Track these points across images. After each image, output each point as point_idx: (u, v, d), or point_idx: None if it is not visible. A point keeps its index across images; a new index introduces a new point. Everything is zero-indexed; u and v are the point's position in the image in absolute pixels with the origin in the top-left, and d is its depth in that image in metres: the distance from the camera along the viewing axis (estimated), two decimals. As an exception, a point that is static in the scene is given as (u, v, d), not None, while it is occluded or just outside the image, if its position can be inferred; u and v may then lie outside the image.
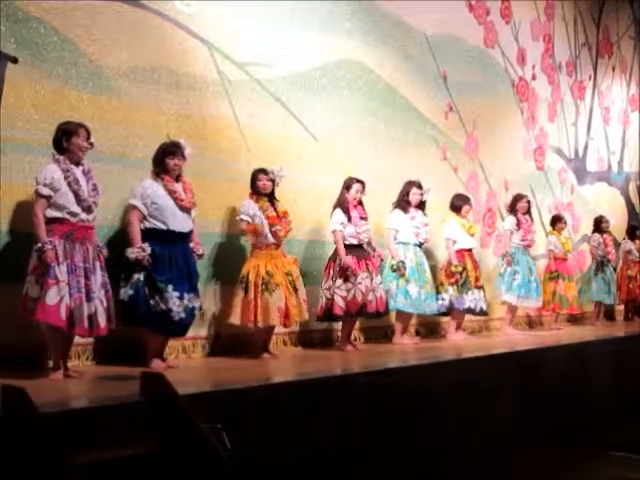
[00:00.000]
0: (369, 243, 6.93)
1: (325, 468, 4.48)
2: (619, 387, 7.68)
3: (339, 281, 6.67)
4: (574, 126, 12.00)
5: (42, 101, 5.38)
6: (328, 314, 6.72)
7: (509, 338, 8.49)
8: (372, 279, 6.80)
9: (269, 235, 6.18)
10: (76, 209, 4.87)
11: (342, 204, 6.82)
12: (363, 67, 8.03)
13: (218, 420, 3.52)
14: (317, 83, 7.51)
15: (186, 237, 5.55)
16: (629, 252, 11.47)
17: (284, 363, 6.20)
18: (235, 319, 6.06)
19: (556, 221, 9.97)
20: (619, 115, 13.32)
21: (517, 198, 9.02)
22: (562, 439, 6.46)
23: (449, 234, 8.13)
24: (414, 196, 7.50)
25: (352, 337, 7.16)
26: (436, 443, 5.35)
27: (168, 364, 5.46)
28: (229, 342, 6.33)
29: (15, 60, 5.19)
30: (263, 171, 6.28)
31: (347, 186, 6.86)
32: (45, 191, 4.79)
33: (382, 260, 7.09)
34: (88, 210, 4.94)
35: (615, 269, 11.25)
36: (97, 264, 4.94)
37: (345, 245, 6.77)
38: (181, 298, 5.36)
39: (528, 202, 9.00)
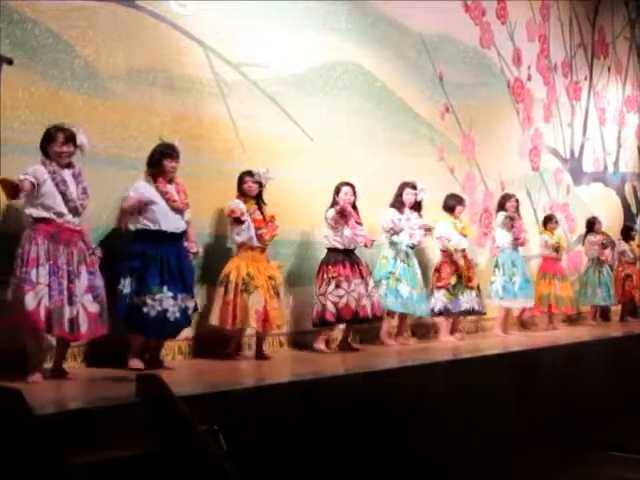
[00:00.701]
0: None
1: (321, 469, 4.47)
2: (617, 387, 7.69)
3: (331, 287, 6.63)
4: (570, 127, 12.00)
5: (37, 103, 5.37)
6: (322, 320, 6.68)
7: (504, 339, 8.48)
8: (367, 285, 6.79)
9: (254, 238, 6.14)
10: (62, 210, 4.84)
11: (334, 207, 6.81)
12: (359, 68, 8.02)
13: (213, 421, 3.51)
14: (313, 84, 7.50)
15: (179, 238, 5.53)
16: (623, 253, 11.47)
17: (274, 365, 6.14)
18: (214, 319, 6.02)
19: (547, 221, 9.96)
20: (615, 116, 13.33)
21: (506, 197, 8.99)
22: (561, 440, 6.47)
23: (442, 234, 8.09)
24: (407, 196, 7.49)
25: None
26: (432, 445, 5.34)
27: (165, 366, 5.47)
28: (215, 343, 6.24)
29: (10, 61, 5.18)
30: (249, 173, 6.25)
31: (337, 191, 6.84)
32: (28, 180, 4.73)
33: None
34: (75, 212, 4.90)
35: (611, 269, 11.27)
36: (83, 268, 4.87)
37: (338, 250, 6.76)
38: (175, 298, 5.34)
39: (517, 201, 8.94)
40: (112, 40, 5.85)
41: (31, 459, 3.01)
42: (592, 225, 10.86)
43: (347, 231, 6.77)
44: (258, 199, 6.29)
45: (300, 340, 7.04)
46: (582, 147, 12.30)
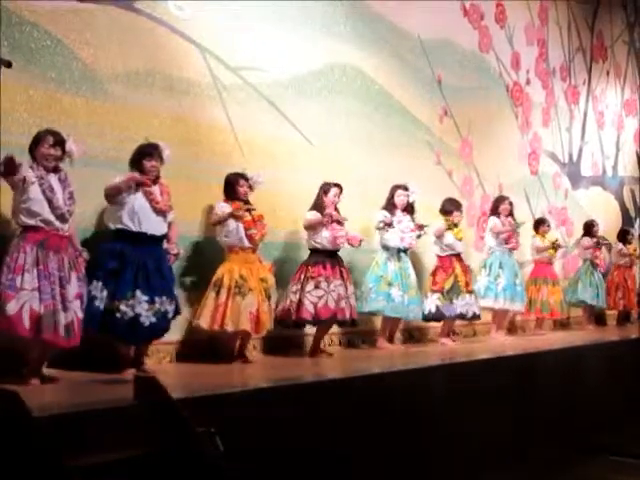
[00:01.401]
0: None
1: (316, 472, 4.48)
2: (615, 391, 7.69)
3: (310, 286, 6.53)
4: (568, 131, 12.01)
5: (35, 105, 5.38)
6: (295, 318, 6.52)
7: (499, 343, 8.45)
8: (346, 287, 6.72)
9: (244, 239, 6.08)
10: (50, 217, 4.77)
11: (319, 208, 6.73)
12: (357, 71, 8.03)
13: (210, 424, 3.52)
14: (311, 87, 7.51)
15: (159, 240, 5.44)
16: (623, 254, 11.47)
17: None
18: (204, 323, 5.91)
19: (539, 224, 9.86)
20: (613, 120, 13.34)
21: (499, 200, 8.97)
22: (559, 444, 6.47)
23: (436, 229, 8.03)
24: (399, 198, 7.47)
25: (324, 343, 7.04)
26: (427, 449, 5.34)
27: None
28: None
29: (9, 64, 5.16)
30: (243, 176, 6.20)
31: (325, 190, 6.77)
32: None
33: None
34: (62, 218, 4.83)
35: (606, 274, 11.27)
36: (73, 274, 4.83)
37: (320, 251, 6.70)
38: (151, 302, 5.22)
39: (510, 204, 8.92)
40: (110, 43, 5.86)
41: (30, 461, 3.01)
42: (588, 228, 10.85)
43: (326, 232, 6.70)
44: (246, 201, 6.20)
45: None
46: (580, 151, 12.31)
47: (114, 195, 5.29)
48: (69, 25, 5.60)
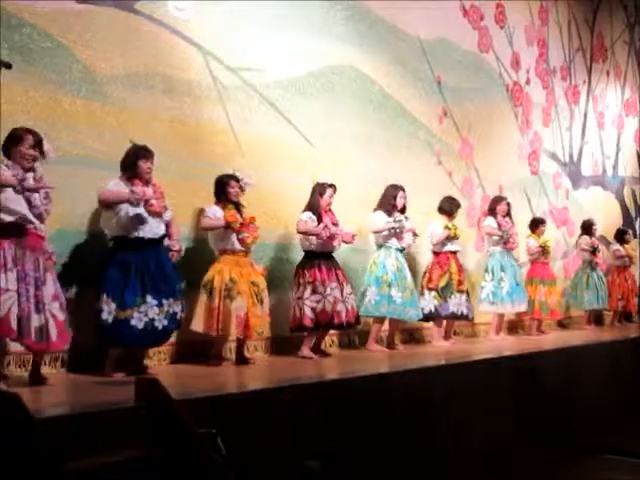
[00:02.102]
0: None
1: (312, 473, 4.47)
2: (613, 391, 7.69)
3: (308, 291, 6.49)
4: (568, 131, 12.01)
5: (35, 107, 5.38)
6: (299, 325, 6.53)
7: (496, 344, 8.43)
8: (342, 290, 6.65)
9: (236, 243, 6.03)
10: (28, 215, 4.70)
11: (315, 209, 6.66)
12: (357, 72, 8.03)
13: (212, 425, 3.51)
14: (311, 88, 7.51)
15: (158, 242, 5.42)
16: (618, 256, 11.46)
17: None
18: (198, 326, 5.87)
19: (538, 224, 9.76)
20: (613, 120, 13.35)
21: (497, 200, 8.96)
22: (556, 443, 6.46)
23: (433, 231, 8.05)
24: (400, 200, 7.44)
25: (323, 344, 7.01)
26: (423, 451, 5.34)
27: (150, 372, 5.32)
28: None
29: (9, 66, 5.16)
30: (234, 177, 6.15)
31: (320, 192, 6.70)
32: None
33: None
34: (39, 217, 4.77)
35: (607, 273, 11.27)
36: (48, 275, 4.76)
37: (315, 253, 6.64)
38: (160, 305, 5.24)
39: (508, 204, 8.90)
40: (110, 44, 5.86)
41: (29, 463, 3.00)
42: (586, 228, 10.83)
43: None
44: (237, 202, 6.17)
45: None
46: (581, 151, 12.31)
47: (115, 204, 5.27)
48: (69, 26, 5.60)
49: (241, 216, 6.08)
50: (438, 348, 7.88)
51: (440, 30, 9.23)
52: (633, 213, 13.63)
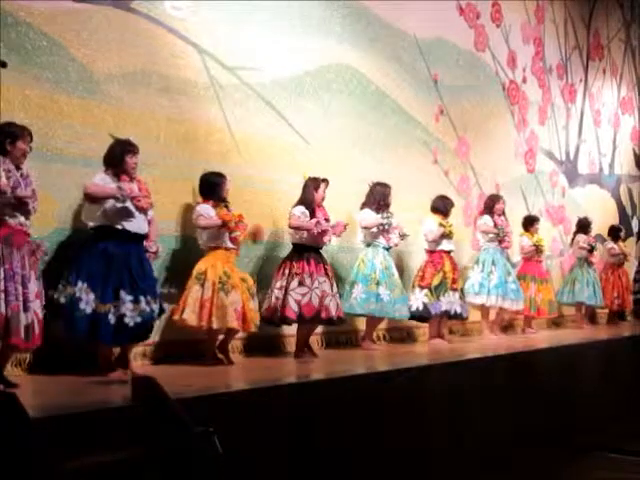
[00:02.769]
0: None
1: (313, 471, 4.48)
2: (608, 389, 7.70)
3: (294, 283, 6.38)
4: (565, 129, 12.03)
5: (32, 105, 5.37)
6: (280, 317, 6.39)
7: (490, 342, 8.43)
8: (331, 285, 6.59)
9: (228, 242, 6.01)
10: (16, 212, 4.64)
11: (309, 204, 6.60)
12: (354, 71, 8.03)
13: (209, 423, 3.52)
14: (308, 87, 7.51)
15: (142, 239, 5.38)
16: (613, 254, 11.47)
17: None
18: (191, 320, 5.75)
19: (532, 222, 9.73)
20: (610, 118, 13.36)
21: (495, 199, 8.94)
22: (549, 441, 6.47)
23: (428, 230, 8.03)
24: (389, 198, 7.42)
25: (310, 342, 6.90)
26: (421, 452, 5.35)
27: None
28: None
29: (4, 64, 5.16)
30: (224, 176, 6.11)
31: (315, 187, 6.64)
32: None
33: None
34: (26, 214, 4.71)
35: (601, 272, 11.29)
36: (32, 273, 4.70)
37: (304, 247, 6.55)
38: (136, 302, 5.15)
39: (504, 203, 8.92)
40: (107, 43, 5.85)
41: (26, 462, 3.01)
42: (583, 226, 10.83)
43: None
44: (225, 200, 6.13)
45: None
46: (577, 149, 12.34)
47: (102, 199, 5.20)
48: (65, 25, 5.59)
49: (231, 212, 6.06)
50: (432, 346, 7.86)
51: (436, 29, 9.24)
52: (629, 211, 13.66)
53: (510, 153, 10.63)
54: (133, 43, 6.03)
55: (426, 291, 7.85)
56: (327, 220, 6.67)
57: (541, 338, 9.12)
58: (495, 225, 8.77)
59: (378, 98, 8.33)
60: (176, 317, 5.83)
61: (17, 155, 4.72)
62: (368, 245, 7.44)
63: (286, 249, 6.86)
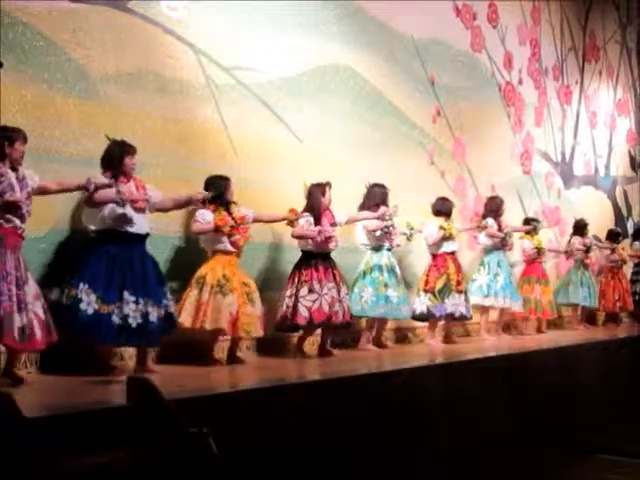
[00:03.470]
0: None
1: (309, 472, 4.48)
2: (604, 390, 7.71)
3: (304, 290, 6.49)
4: (561, 130, 12.04)
5: (28, 106, 5.36)
6: (290, 324, 6.50)
7: (490, 344, 8.45)
8: (339, 290, 6.66)
9: (228, 245, 6.02)
10: (9, 215, 4.64)
11: (315, 210, 6.66)
12: (350, 71, 8.04)
13: (203, 424, 3.52)
14: (304, 87, 7.51)
15: (143, 239, 5.40)
16: (611, 260, 11.47)
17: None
18: (186, 322, 5.77)
19: (530, 224, 9.76)
20: (606, 119, 13.38)
21: (498, 202, 8.96)
22: (546, 442, 6.48)
23: (429, 233, 8.06)
24: (388, 199, 7.42)
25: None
26: (415, 451, 5.35)
27: (152, 370, 5.35)
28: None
29: (1, 64, 5.16)
30: (227, 179, 6.12)
31: (322, 192, 6.70)
32: None
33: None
34: (21, 217, 4.71)
35: (599, 274, 11.29)
36: (29, 275, 4.72)
37: (312, 253, 6.63)
38: (137, 303, 5.18)
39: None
40: (103, 43, 5.85)
41: (21, 462, 3.01)
42: (579, 228, 10.84)
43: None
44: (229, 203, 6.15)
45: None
46: (573, 151, 12.34)
47: (102, 204, 5.21)
48: (62, 25, 5.59)
49: (232, 215, 6.07)
50: (431, 347, 7.88)
51: (433, 29, 9.25)
52: (625, 213, 13.67)
53: (506, 154, 10.64)
54: (129, 43, 6.03)
55: (430, 295, 7.91)
56: (333, 224, 6.71)
57: (542, 339, 9.13)
58: (500, 228, 8.78)
59: (374, 99, 8.33)
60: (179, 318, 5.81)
61: (16, 157, 4.73)
62: (371, 248, 7.46)
63: (286, 249, 6.91)
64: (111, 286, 5.13)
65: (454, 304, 7.94)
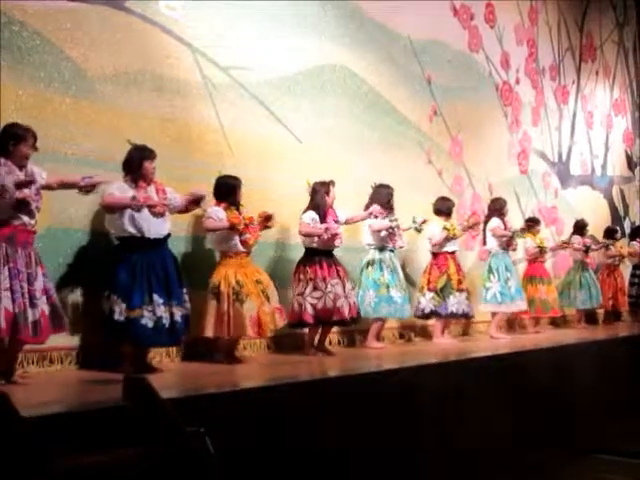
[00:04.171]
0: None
1: (306, 472, 4.48)
2: (602, 390, 7.71)
3: (309, 288, 6.56)
4: (557, 130, 12.06)
5: (25, 105, 5.35)
6: (299, 321, 6.59)
7: (494, 342, 8.45)
8: (344, 286, 6.69)
9: (239, 245, 6.03)
10: (18, 212, 4.68)
11: (320, 208, 6.72)
12: (347, 71, 8.04)
13: (200, 424, 3.52)
14: (301, 87, 7.51)
15: (163, 242, 5.46)
16: (609, 255, 11.48)
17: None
18: (209, 331, 5.86)
19: (531, 225, 9.74)
20: (602, 119, 13.40)
21: (501, 202, 8.96)
22: (544, 442, 6.48)
23: (432, 233, 8.08)
24: (393, 200, 7.46)
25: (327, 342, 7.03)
26: (414, 449, 5.35)
27: (156, 368, 5.42)
28: (202, 348, 6.10)
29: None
30: (239, 180, 6.14)
31: (326, 191, 6.76)
32: None
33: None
34: (30, 214, 4.75)
35: (596, 272, 11.30)
36: (39, 270, 4.78)
37: (316, 250, 6.68)
38: (165, 304, 5.28)
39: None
40: (100, 42, 5.84)
41: (18, 462, 3.01)
42: (578, 227, 10.85)
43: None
44: (238, 204, 6.16)
45: (274, 343, 6.86)
46: (570, 150, 12.37)
47: (118, 209, 5.31)
48: (59, 24, 5.58)
49: (242, 215, 6.09)
50: (438, 345, 7.92)
51: (430, 30, 9.26)
52: (621, 212, 13.70)
53: (503, 154, 10.65)
54: (127, 42, 6.02)
55: (433, 294, 7.96)
56: (337, 222, 6.76)
57: (544, 338, 9.13)
58: (505, 228, 8.79)
59: (372, 98, 8.34)
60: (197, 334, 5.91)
61: (19, 157, 4.76)
62: (374, 248, 7.48)
63: (284, 248, 6.96)
64: (138, 291, 5.23)
65: (455, 303, 7.98)
